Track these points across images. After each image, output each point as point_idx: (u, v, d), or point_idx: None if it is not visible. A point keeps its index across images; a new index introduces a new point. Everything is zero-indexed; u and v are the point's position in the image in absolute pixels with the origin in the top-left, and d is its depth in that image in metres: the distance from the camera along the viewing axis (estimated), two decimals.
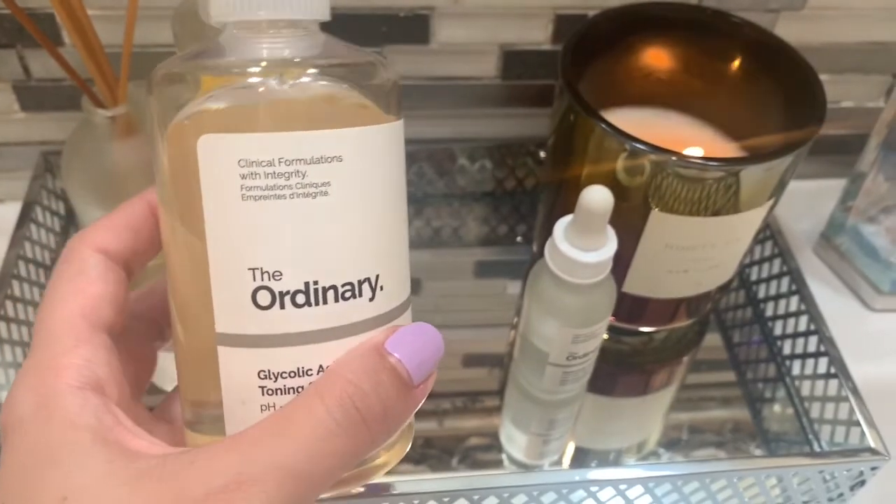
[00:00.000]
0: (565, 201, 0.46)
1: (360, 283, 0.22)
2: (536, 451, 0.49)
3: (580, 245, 0.39)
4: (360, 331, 0.22)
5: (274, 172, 0.20)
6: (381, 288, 0.22)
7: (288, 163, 0.20)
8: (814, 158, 0.61)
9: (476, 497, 0.40)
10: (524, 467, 0.48)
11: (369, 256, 0.22)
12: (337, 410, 0.20)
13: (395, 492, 0.39)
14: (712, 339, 0.56)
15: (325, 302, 0.21)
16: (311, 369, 0.21)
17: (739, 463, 0.43)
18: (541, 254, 0.41)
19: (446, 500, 0.40)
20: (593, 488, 0.41)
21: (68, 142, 0.45)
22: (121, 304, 0.24)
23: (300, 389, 0.21)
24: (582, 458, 0.49)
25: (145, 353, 0.27)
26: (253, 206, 0.21)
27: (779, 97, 0.47)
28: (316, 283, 0.21)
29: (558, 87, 0.45)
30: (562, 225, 0.40)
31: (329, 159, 0.21)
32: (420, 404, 0.23)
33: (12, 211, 0.52)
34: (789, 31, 0.54)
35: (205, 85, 0.21)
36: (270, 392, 0.21)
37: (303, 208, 0.21)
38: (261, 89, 0.21)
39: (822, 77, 0.45)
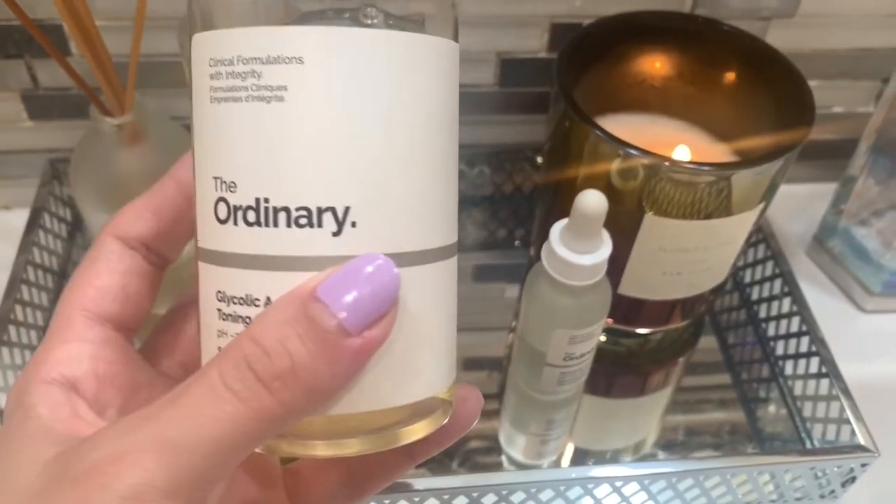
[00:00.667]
0: (561, 205, 0.47)
1: (321, 211, 0.19)
2: (535, 452, 0.50)
3: (576, 248, 0.40)
4: (317, 267, 0.19)
5: (233, 72, 0.19)
6: (353, 224, 0.19)
7: (245, 61, 0.19)
8: (806, 163, 0.62)
9: (475, 494, 0.41)
10: (523, 467, 0.49)
11: (335, 180, 0.19)
12: (229, 373, 0.18)
13: (395, 489, 0.40)
14: (707, 341, 0.57)
15: (275, 224, 0.19)
16: (258, 299, 0.19)
17: (732, 460, 0.44)
18: (538, 257, 0.42)
19: (446, 497, 0.41)
20: (590, 485, 0.42)
21: (76, 149, 0.46)
22: (128, 294, 0.23)
23: (248, 320, 0.19)
24: (580, 458, 0.50)
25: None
26: (217, 109, 0.19)
27: (769, 103, 0.48)
28: (267, 200, 0.19)
29: (554, 94, 0.46)
30: (558, 228, 0.41)
31: (287, 59, 0.18)
32: (368, 355, 0.19)
33: (21, 217, 0.53)
34: (780, 38, 0.56)
35: None
36: (224, 317, 0.20)
37: (256, 113, 0.19)
38: None
39: (813, 83, 0.46)
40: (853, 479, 0.45)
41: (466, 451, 0.49)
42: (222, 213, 0.20)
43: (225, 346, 0.19)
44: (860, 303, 0.58)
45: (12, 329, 0.47)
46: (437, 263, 0.21)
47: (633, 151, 0.41)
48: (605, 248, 0.40)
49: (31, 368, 0.21)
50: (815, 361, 0.50)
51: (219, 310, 0.20)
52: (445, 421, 0.22)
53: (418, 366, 0.21)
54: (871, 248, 0.57)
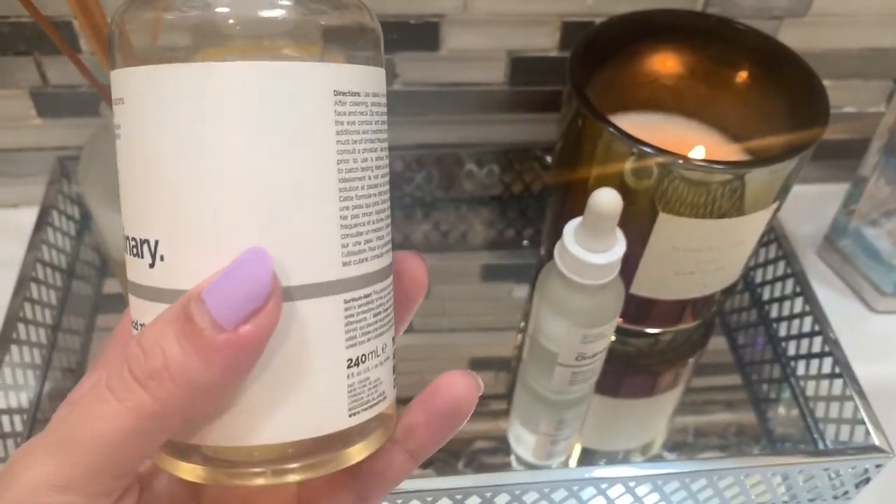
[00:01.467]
0: (573, 205, 0.47)
1: (141, 242, 0.20)
2: (545, 452, 0.50)
3: (589, 247, 0.39)
4: (149, 296, 0.20)
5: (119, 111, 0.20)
6: (162, 258, 0.19)
7: (116, 101, 0.20)
8: (817, 163, 0.61)
9: (488, 494, 0.41)
10: (533, 467, 0.49)
11: (146, 215, 0.19)
12: (112, 376, 0.19)
13: (407, 489, 0.39)
14: (717, 341, 0.57)
15: (128, 252, 0.20)
16: (140, 322, 0.21)
17: (746, 460, 0.43)
18: (548, 257, 0.42)
19: (459, 497, 0.41)
20: (603, 485, 0.42)
21: (85, 147, 0.46)
22: None
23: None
24: (589, 458, 0.50)
25: None
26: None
27: (783, 102, 0.48)
28: (124, 229, 0.21)
29: (566, 92, 0.46)
30: (571, 227, 0.41)
31: (119, 101, 0.20)
32: (242, 350, 0.18)
33: (30, 215, 0.53)
34: (792, 37, 0.55)
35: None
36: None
37: (116, 150, 0.21)
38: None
39: (825, 83, 0.46)
40: (867, 480, 0.44)
41: (473, 452, 0.49)
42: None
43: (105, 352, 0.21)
44: (871, 303, 0.58)
45: (21, 327, 0.47)
46: (301, 302, 0.20)
47: (647, 149, 0.41)
48: (619, 247, 0.40)
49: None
50: (828, 362, 0.50)
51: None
52: (387, 437, 0.23)
53: (302, 401, 0.20)
54: (882, 248, 0.57)
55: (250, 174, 0.19)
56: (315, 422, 0.21)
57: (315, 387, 0.20)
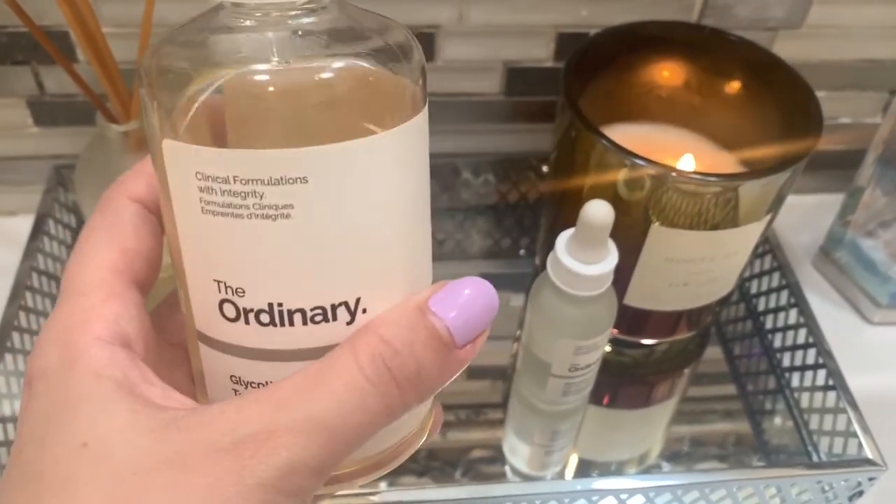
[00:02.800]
0: (567, 215, 0.47)
1: (335, 307, 0.20)
2: (539, 463, 0.50)
3: (582, 258, 0.39)
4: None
5: (230, 191, 0.19)
6: (364, 311, 0.20)
7: (244, 182, 0.19)
8: (813, 173, 0.61)
9: None
10: (527, 478, 0.49)
11: (346, 279, 0.20)
12: (368, 367, 0.19)
13: (401, 500, 0.39)
14: (713, 352, 0.57)
15: (291, 324, 0.20)
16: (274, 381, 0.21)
17: (739, 473, 0.43)
18: (543, 267, 0.42)
19: None
20: (594, 497, 0.42)
21: (81, 156, 0.46)
22: (155, 258, 0.23)
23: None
24: (584, 469, 0.50)
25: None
26: (212, 221, 0.19)
27: (776, 113, 0.48)
28: (280, 304, 0.20)
29: (560, 103, 0.46)
30: (564, 238, 0.41)
31: (291, 181, 0.19)
32: (464, 367, 0.21)
33: (26, 223, 0.53)
34: (787, 49, 0.55)
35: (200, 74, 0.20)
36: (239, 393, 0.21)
37: (262, 230, 0.19)
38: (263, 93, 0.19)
39: (820, 94, 0.46)
40: (860, 493, 0.44)
41: (469, 461, 0.48)
42: (230, 312, 0.20)
43: (351, 338, 0.20)
44: (867, 315, 0.58)
45: (16, 336, 0.47)
46: None
47: (639, 161, 0.41)
48: (611, 259, 0.40)
49: (75, 326, 0.20)
50: (822, 373, 0.50)
51: (234, 390, 0.21)
52: (428, 431, 0.24)
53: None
54: (878, 259, 0.57)
55: (417, 215, 0.21)
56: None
57: None
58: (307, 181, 0.19)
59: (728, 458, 0.50)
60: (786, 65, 0.48)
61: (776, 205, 0.45)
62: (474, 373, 0.54)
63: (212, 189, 0.19)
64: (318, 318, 0.20)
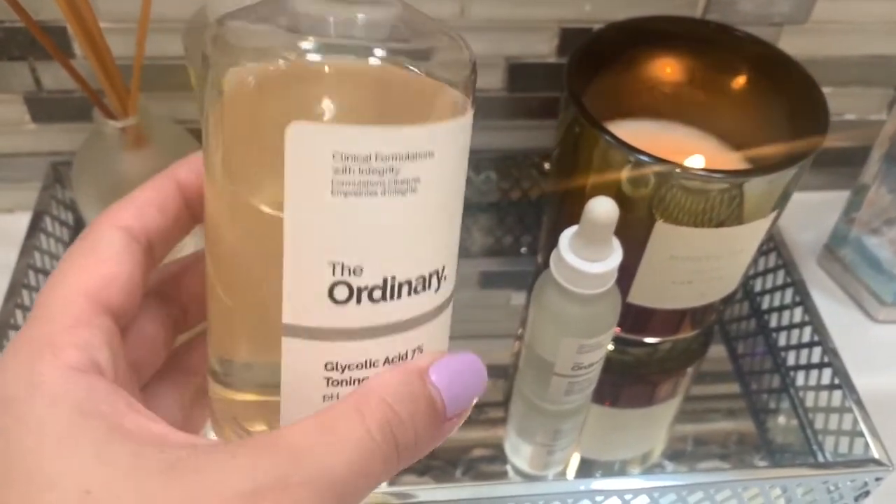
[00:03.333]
0: (570, 212, 0.47)
1: (431, 275, 0.21)
2: (541, 462, 0.49)
3: (585, 256, 0.39)
4: (423, 322, 0.22)
5: (369, 168, 0.19)
6: (445, 278, 0.22)
7: (384, 158, 0.19)
8: (817, 170, 0.61)
9: None
10: (529, 478, 0.48)
11: (442, 248, 0.22)
12: (378, 433, 0.20)
13: (402, 502, 0.39)
14: (716, 350, 0.56)
15: (398, 296, 0.21)
16: (377, 360, 0.21)
17: (744, 473, 0.43)
18: (545, 265, 0.42)
19: None
20: (598, 498, 0.41)
21: (79, 152, 0.46)
22: (134, 287, 0.22)
23: (361, 381, 0.21)
24: (586, 468, 0.49)
25: (154, 336, 0.24)
26: (343, 201, 0.20)
27: (782, 109, 0.47)
28: (394, 277, 0.21)
29: (563, 99, 0.46)
30: (567, 236, 0.40)
31: (422, 155, 0.20)
32: (446, 437, 0.22)
33: (22, 221, 0.53)
34: (792, 44, 0.55)
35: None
36: (335, 383, 0.21)
37: (392, 204, 0.20)
38: (339, 75, 0.20)
39: (825, 90, 0.45)
40: (867, 493, 0.44)
41: (470, 460, 0.48)
42: (341, 295, 0.20)
43: (356, 398, 0.20)
44: (872, 313, 0.57)
45: (12, 334, 0.47)
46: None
47: (644, 158, 0.41)
48: (615, 256, 0.40)
49: (42, 350, 0.19)
50: (827, 372, 0.49)
51: (327, 378, 0.21)
52: None
53: None
54: (883, 257, 0.57)
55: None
56: None
57: None
58: (433, 155, 0.20)
59: (732, 458, 0.49)
60: (793, 61, 0.47)
61: (782, 202, 0.44)
62: None
63: (349, 169, 0.19)
64: (419, 288, 0.21)
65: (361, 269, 0.20)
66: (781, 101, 0.47)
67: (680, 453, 0.50)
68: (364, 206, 0.20)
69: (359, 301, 0.20)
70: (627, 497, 0.41)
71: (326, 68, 0.20)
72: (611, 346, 0.52)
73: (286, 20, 0.21)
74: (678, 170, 0.40)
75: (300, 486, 0.18)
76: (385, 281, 0.21)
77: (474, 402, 0.22)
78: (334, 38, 0.20)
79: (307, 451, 0.19)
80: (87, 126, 0.47)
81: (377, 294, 0.21)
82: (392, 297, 0.21)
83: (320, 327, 0.21)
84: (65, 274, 0.21)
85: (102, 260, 0.21)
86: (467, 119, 0.21)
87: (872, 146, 0.55)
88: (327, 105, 0.20)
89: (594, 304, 0.41)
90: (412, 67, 0.21)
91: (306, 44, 0.20)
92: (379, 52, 0.21)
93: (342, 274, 0.20)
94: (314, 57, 0.20)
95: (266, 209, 0.20)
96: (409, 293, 0.21)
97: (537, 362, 0.44)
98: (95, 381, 0.19)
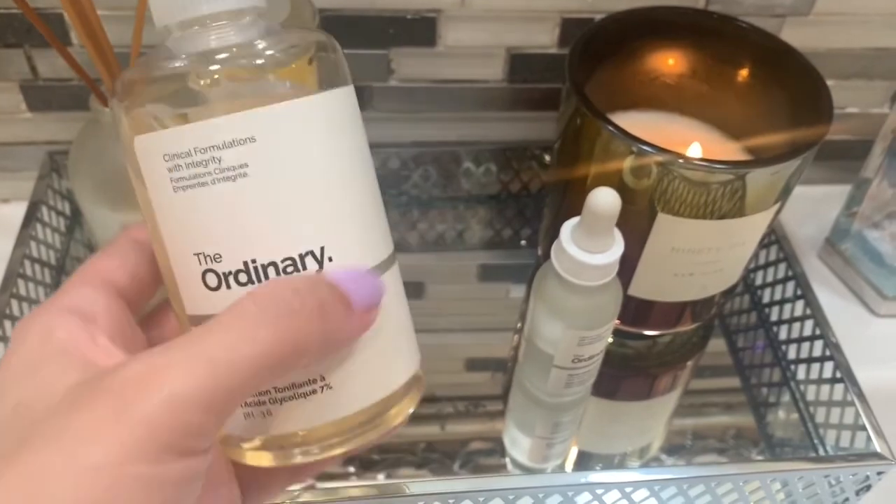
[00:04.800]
0: (571, 204, 0.46)
1: (303, 256, 0.22)
2: (540, 455, 0.49)
3: (587, 247, 0.39)
4: None
5: (193, 162, 0.21)
6: (330, 259, 0.22)
7: (203, 151, 0.21)
8: (819, 164, 0.60)
9: (481, 499, 0.40)
10: (528, 471, 0.48)
11: (308, 229, 0.22)
12: (264, 301, 0.20)
13: (400, 494, 0.39)
14: (717, 344, 0.56)
15: (266, 277, 0.22)
16: None
17: (745, 466, 0.43)
18: (546, 257, 0.41)
19: (451, 501, 0.40)
20: (599, 490, 0.41)
21: (75, 141, 0.45)
22: (145, 286, 0.25)
23: None
24: (585, 462, 0.49)
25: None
26: (183, 196, 0.22)
27: (785, 101, 0.47)
28: (254, 261, 0.22)
29: (565, 90, 0.45)
30: (569, 227, 0.40)
31: (242, 141, 0.21)
32: (363, 331, 0.23)
33: (18, 210, 0.52)
34: (795, 36, 0.55)
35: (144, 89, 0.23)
36: None
37: (226, 191, 0.21)
38: (188, 83, 0.23)
39: (827, 82, 0.45)
40: (868, 488, 0.44)
41: (468, 453, 0.48)
42: (212, 281, 0.22)
43: (256, 288, 0.21)
44: (873, 307, 0.57)
45: (7, 324, 0.46)
46: (391, 269, 0.25)
47: (646, 148, 0.40)
48: (617, 248, 0.39)
49: (46, 303, 0.22)
50: (829, 366, 0.49)
51: None
52: (422, 393, 0.26)
53: (402, 347, 0.25)
54: (884, 251, 0.56)
55: (360, 172, 0.24)
56: (388, 379, 0.24)
57: (389, 346, 0.24)
58: (255, 140, 0.21)
59: (731, 452, 0.49)
60: (795, 52, 0.47)
61: (784, 194, 0.44)
62: (474, 365, 0.53)
63: (178, 166, 0.21)
64: (289, 269, 0.22)
65: (220, 256, 0.22)
66: (784, 93, 0.47)
67: (679, 447, 0.49)
68: (201, 197, 0.22)
69: (228, 286, 0.22)
70: (628, 490, 0.41)
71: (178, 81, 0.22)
72: (610, 339, 0.52)
73: (167, 48, 0.23)
74: (681, 160, 0.40)
75: (165, 369, 0.19)
76: (246, 265, 0.22)
77: (377, 302, 0.23)
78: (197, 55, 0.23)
79: (182, 340, 0.20)
80: (84, 115, 0.46)
81: (243, 277, 0.22)
82: (258, 278, 0.22)
83: (204, 314, 0.22)
84: (89, 263, 0.24)
85: (121, 254, 0.24)
86: (303, 102, 0.22)
87: (875, 140, 0.55)
88: (166, 112, 0.22)
89: (595, 296, 0.41)
90: (256, 61, 0.23)
91: (179, 63, 0.23)
92: (221, 56, 0.22)
93: (206, 262, 0.22)
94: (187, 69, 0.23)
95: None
96: (278, 273, 0.22)
97: (537, 355, 0.44)
98: (71, 318, 0.22)
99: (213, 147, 0.21)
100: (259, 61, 0.23)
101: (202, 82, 0.23)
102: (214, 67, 0.22)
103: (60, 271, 0.53)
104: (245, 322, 0.20)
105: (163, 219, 0.22)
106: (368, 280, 0.23)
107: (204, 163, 0.21)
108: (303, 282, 0.21)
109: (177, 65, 0.23)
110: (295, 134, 0.22)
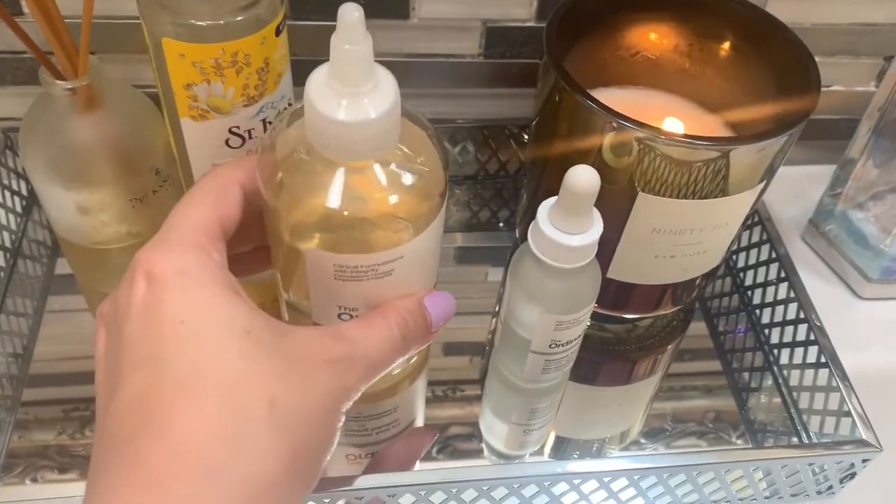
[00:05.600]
0: (549, 184, 0.45)
1: None
2: (517, 442, 0.48)
3: (565, 228, 0.37)
4: None
5: (356, 270, 0.31)
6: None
7: (365, 268, 0.31)
8: (803, 144, 0.59)
9: (454, 490, 0.38)
10: (504, 458, 0.47)
11: (418, 287, 0.34)
12: (397, 329, 0.31)
13: (370, 485, 0.37)
14: (698, 327, 0.55)
15: None
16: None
17: (727, 455, 0.41)
18: (524, 238, 0.40)
19: (423, 493, 0.38)
20: (576, 481, 0.40)
21: (26, 117, 0.43)
22: (235, 224, 0.30)
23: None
24: (563, 447, 0.48)
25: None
26: (341, 282, 0.32)
27: (770, 76, 0.45)
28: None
29: (543, 65, 0.44)
30: (546, 207, 0.38)
31: (393, 260, 0.31)
32: (431, 341, 0.34)
33: None
34: (780, 11, 0.52)
35: None
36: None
37: (373, 282, 0.32)
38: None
39: None
40: (853, 475, 0.43)
41: (446, 438, 0.47)
42: (345, 318, 0.34)
43: (381, 309, 0.32)
44: (857, 290, 0.56)
45: None
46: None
47: (626, 124, 0.38)
48: (595, 229, 0.38)
49: (198, 247, 0.28)
50: (813, 350, 0.48)
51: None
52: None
53: None
54: (869, 232, 0.55)
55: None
56: None
57: None
58: (403, 258, 0.32)
59: (712, 437, 0.48)
60: (781, 25, 0.45)
61: (769, 174, 0.43)
62: (451, 349, 0.52)
63: (344, 269, 0.31)
64: None
65: (356, 309, 0.33)
66: (770, 68, 0.45)
67: (659, 432, 0.48)
68: (355, 284, 0.32)
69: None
70: (606, 479, 0.40)
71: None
72: (589, 323, 0.51)
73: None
74: (662, 136, 0.38)
75: (358, 361, 0.29)
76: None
77: (447, 322, 0.34)
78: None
79: (359, 339, 0.29)
80: (39, 90, 0.44)
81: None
82: None
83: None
84: (202, 200, 0.30)
85: (230, 204, 0.30)
86: (433, 226, 0.32)
87: (860, 119, 0.53)
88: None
89: (573, 279, 0.39)
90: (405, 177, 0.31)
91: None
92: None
93: (343, 311, 0.33)
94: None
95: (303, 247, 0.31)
96: None
97: (513, 339, 0.43)
98: (230, 275, 0.28)
99: (373, 265, 0.31)
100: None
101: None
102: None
103: (17, 254, 0.51)
104: (389, 340, 0.31)
105: (317, 286, 0.32)
106: (449, 307, 0.34)
107: (365, 270, 0.31)
108: (412, 313, 0.32)
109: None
110: (428, 244, 0.32)
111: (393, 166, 0.30)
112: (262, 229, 0.33)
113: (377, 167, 0.30)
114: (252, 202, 0.31)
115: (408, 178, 0.31)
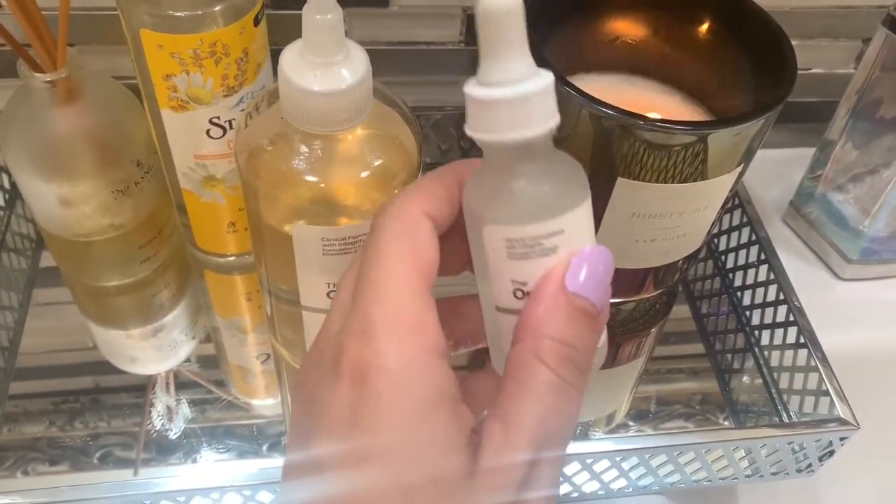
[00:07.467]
0: None
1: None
2: None
3: (493, 78, 0.23)
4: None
5: (345, 241, 0.31)
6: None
7: (353, 239, 0.31)
8: (782, 126, 0.60)
9: None
10: None
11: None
12: (562, 370, 0.22)
13: None
14: (680, 310, 0.55)
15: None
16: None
17: (708, 435, 0.42)
18: None
19: None
20: None
21: (5, 110, 0.43)
22: (435, 268, 0.25)
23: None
24: None
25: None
26: (330, 257, 0.32)
27: (748, 61, 0.45)
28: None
29: None
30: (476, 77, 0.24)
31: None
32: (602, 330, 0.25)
33: None
34: None
35: None
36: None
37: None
38: None
39: (791, 42, 0.44)
40: (831, 453, 0.43)
41: None
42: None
43: (527, 345, 0.23)
44: (837, 270, 0.57)
45: None
46: None
47: (605, 111, 0.39)
48: (540, 79, 0.23)
49: (413, 332, 0.23)
50: (792, 331, 0.48)
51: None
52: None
53: None
54: (848, 214, 0.56)
55: None
56: None
57: None
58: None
59: (696, 418, 0.49)
60: (759, 9, 0.45)
61: (747, 156, 0.43)
62: None
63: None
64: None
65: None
66: (747, 52, 0.46)
67: (643, 413, 0.49)
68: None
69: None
70: (588, 461, 0.40)
71: None
72: None
73: None
74: (640, 122, 0.39)
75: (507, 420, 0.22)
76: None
77: (610, 282, 0.24)
78: None
79: (513, 401, 0.22)
80: (17, 83, 0.44)
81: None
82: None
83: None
84: (395, 252, 0.23)
85: (425, 246, 0.24)
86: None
87: (838, 101, 0.54)
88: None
89: (524, 165, 0.24)
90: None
91: None
92: None
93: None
94: None
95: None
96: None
97: (485, 306, 0.28)
98: (447, 369, 0.23)
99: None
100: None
101: None
102: None
103: (0, 248, 0.51)
104: (554, 391, 0.22)
105: (304, 264, 0.32)
106: (604, 267, 0.24)
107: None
108: (567, 328, 0.23)
109: None
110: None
111: (368, 138, 0.31)
112: (463, 253, 0.27)
113: (353, 138, 0.31)
114: (443, 225, 0.25)
115: (384, 151, 0.31)
